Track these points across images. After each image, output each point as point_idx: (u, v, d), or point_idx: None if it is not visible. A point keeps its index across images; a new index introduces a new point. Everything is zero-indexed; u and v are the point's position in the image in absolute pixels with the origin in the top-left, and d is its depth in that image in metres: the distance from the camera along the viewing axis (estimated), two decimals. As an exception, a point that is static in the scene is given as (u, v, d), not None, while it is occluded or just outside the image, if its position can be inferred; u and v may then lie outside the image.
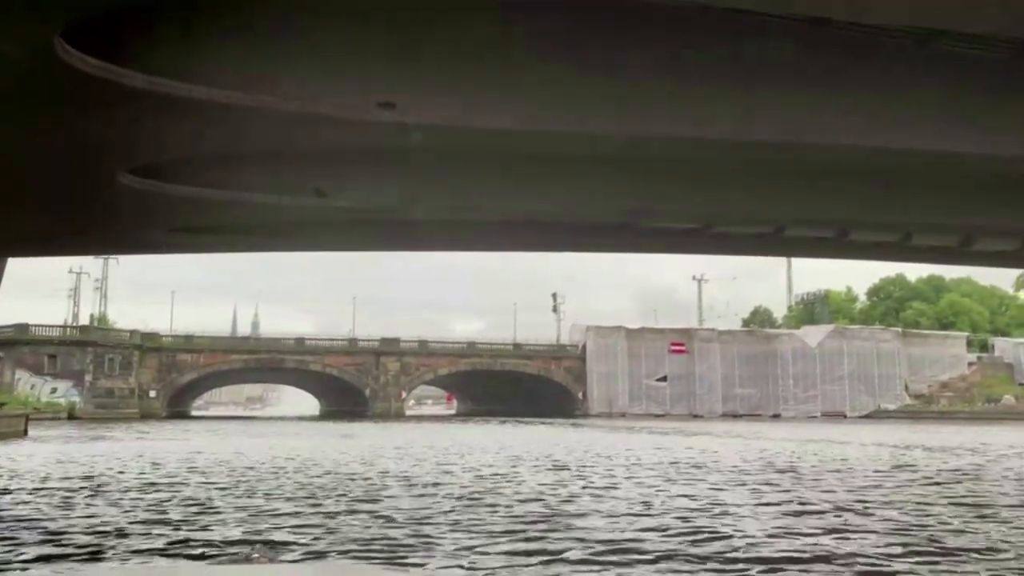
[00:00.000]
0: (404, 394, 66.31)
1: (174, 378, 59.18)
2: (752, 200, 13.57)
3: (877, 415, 64.31)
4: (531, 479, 15.20)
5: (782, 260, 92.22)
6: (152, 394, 56.96)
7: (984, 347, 76.06)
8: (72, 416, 49.34)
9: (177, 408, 61.98)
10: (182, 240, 13.53)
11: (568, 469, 17.53)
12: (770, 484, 14.84)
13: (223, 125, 8.17)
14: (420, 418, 62.15)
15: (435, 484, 14.36)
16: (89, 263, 72.29)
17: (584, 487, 14.26)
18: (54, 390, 51.90)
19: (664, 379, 67.42)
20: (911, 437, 31.19)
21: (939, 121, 9.68)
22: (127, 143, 8.66)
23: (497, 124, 8.46)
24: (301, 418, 59.64)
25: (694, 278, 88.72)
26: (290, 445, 24.52)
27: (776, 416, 65.11)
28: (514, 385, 68.71)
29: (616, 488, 14.20)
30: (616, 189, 12.41)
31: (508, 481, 14.95)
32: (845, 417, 63.52)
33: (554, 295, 78.44)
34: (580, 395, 66.40)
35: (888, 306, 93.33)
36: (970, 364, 71.34)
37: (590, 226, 15.00)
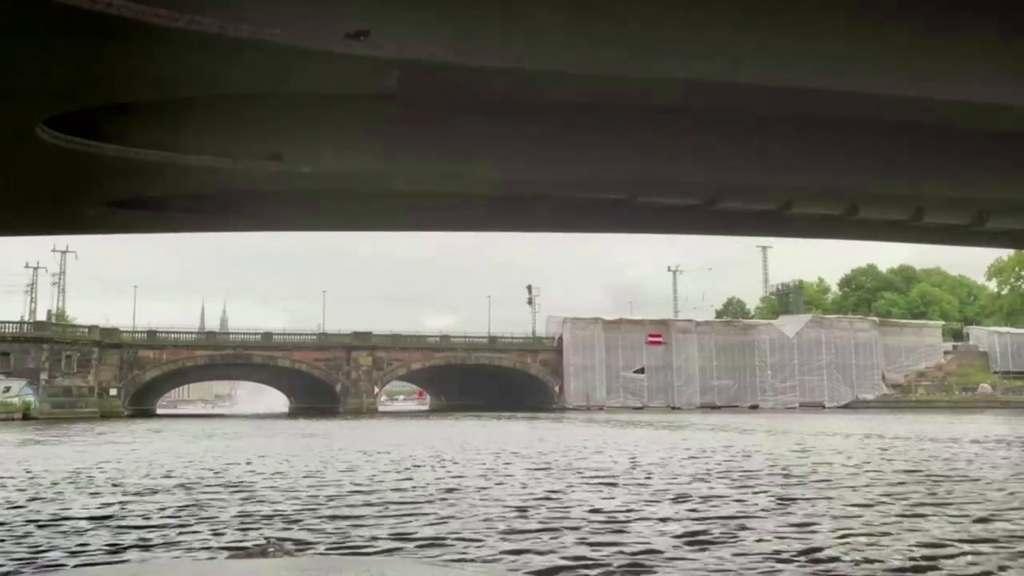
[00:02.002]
0: (376, 390, 64.62)
1: (136, 375, 56.88)
2: (760, 169, 12.34)
3: (855, 405, 63.97)
4: (597, 501, 11.04)
5: (756, 252, 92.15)
6: (113, 392, 54.61)
7: (958, 336, 76.29)
8: (28, 416, 47.00)
9: (141, 407, 59.67)
10: (124, 217, 11.88)
11: (620, 481, 13.57)
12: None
13: (154, 58, 6.58)
14: (395, 414, 60.48)
15: (448, 506, 10.75)
16: (47, 257, 69.80)
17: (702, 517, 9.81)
18: (7, 389, 49.39)
19: (642, 371, 66.46)
20: (955, 429, 29.51)
21: (997, 66, 8.44)
22: (37, 82, 7.04)
23: (497, 62, 6.99)
24: (269, 416, 57.62)
25: (669, 269, 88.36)
26: (250, 448, 22.33)
27: (754, 407, 64.53)
28: (489, 379, 67.36)
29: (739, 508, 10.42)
30: (623, 153, 11.06)
31: (562, 507, 10.77)
32: (824, 408, 63.14)
33: (529, 287, 77.27)
34: (557, 388, 65.22)
35: (860, 296, 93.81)
36: (946, 353, 71.37)
37: (589, 202, 13.65)
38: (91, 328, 55.49)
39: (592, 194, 13.58)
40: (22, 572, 7.04)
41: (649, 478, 14.32)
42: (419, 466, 16.70)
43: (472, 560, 7.41)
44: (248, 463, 17.20)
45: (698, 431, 31.05)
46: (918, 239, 18.84)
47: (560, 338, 66.21)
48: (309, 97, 8.71)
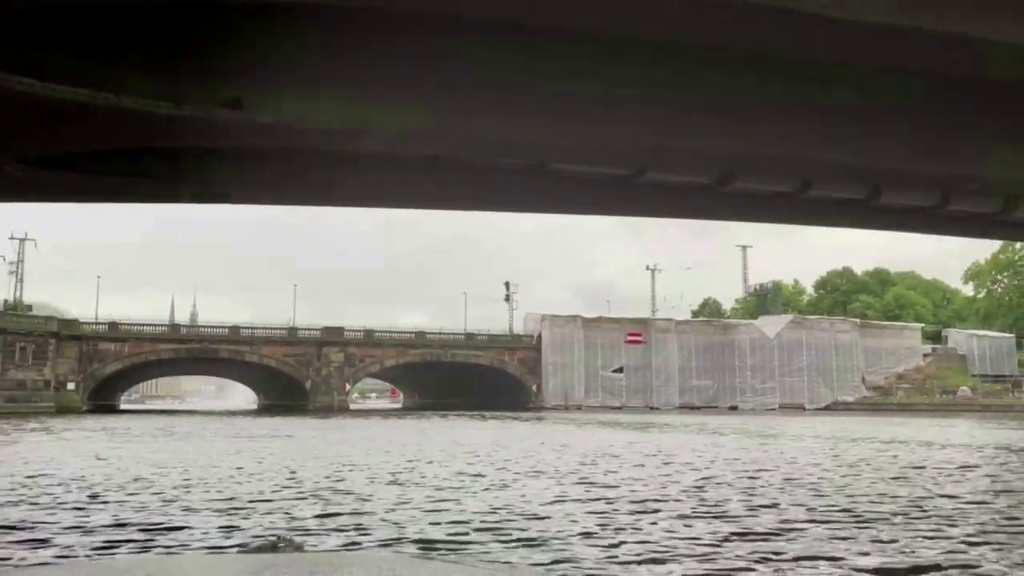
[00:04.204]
0: (348, 387, 62.73)
1: (96, 369, 54.40)
2: (781, 140, 10.94)
3: (835, 407, 63.30)
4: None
5: (728, 254, 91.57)
6: (70, 386, 52.12)
7: (936, 339, 76.11)
8: (-23, 411, 44.58)
9: (102, 401, 57.17)
10: (49, 181, 10.13)
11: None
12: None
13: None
14: (367, 412, 58.58)
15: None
16: (4, 245, 67.03)
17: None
18: (-45, 382, 46.95)
19: (620, 370, 65.20)
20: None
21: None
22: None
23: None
24: (234, 413, 55.47)
25: (647, 268, 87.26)
26: (191, 452, 19.40)
27: (734, 408, 63.60)
28: (465, 378, 65.75)
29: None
30: (634, 114, 9.55)
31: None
32: (804, 410, 62.32)
33: (507, 284, 75.66)
34: (534, 387, 63.75)
35: (835, 299, 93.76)
36: (925, 356, 71.02)
37: (590, 178, 12.14)
38: (48, 319, 52.95)
39: (596, 167, 12.08)
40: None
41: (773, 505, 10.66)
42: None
43: None
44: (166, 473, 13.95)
45: (724, 436, 27.94)
46: (941, 230, 17.57)
47: (539, 336, 64.76)
48: (271, 25, 7.06)
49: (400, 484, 12.55)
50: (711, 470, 15.35)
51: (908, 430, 31.10)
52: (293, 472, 14.32)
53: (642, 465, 16.34)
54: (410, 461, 16.73)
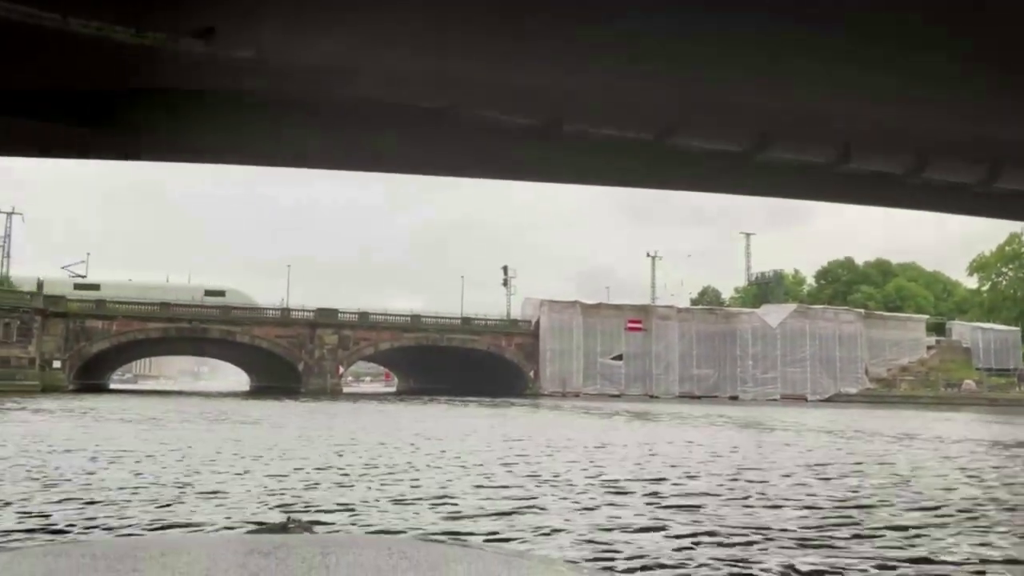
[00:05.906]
0: (342, 370, 61.57)
1: (83, 347, 53.14)
2: (821, 96, 9.71)
3: (838, 399, 62.36)
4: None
5: (726, 243, 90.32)
6: (56, 364, 50.88)
7: (939, 331, 75.16)
8: (-41, 388, 43.29)
9: (89, 380, 55.96)
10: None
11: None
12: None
13: None
14: (362, 396, 57.38)
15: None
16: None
17: None
18: (-64, 359, 45.63)
19: (620, 358, 64.14)
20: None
21: None
22: None
23: None
24: (223, 395, 54.24)
25: (648, 254, 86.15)
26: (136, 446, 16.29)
27: (734, 398, 62.61)
28: (460, 362, 64.68)
29: None
30: (664, 62, 8.26)
31: None
32: (807, 401, 61.35)
33: (505, 268, 74.51)
34: (532, 374, 62.68)
35: (836, 289, 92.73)
36: (929, 348, 70.08)
37: (605, 143, 10.87)
38: (33, 295, 51.59)
39: (615, 131, 10.87)
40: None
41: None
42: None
43: None
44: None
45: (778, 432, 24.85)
46: (984, 210, 16.37)
47: (537, 322, 63.62)
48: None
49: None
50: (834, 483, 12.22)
51: (964, 428, 28.85)
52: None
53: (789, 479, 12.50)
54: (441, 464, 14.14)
